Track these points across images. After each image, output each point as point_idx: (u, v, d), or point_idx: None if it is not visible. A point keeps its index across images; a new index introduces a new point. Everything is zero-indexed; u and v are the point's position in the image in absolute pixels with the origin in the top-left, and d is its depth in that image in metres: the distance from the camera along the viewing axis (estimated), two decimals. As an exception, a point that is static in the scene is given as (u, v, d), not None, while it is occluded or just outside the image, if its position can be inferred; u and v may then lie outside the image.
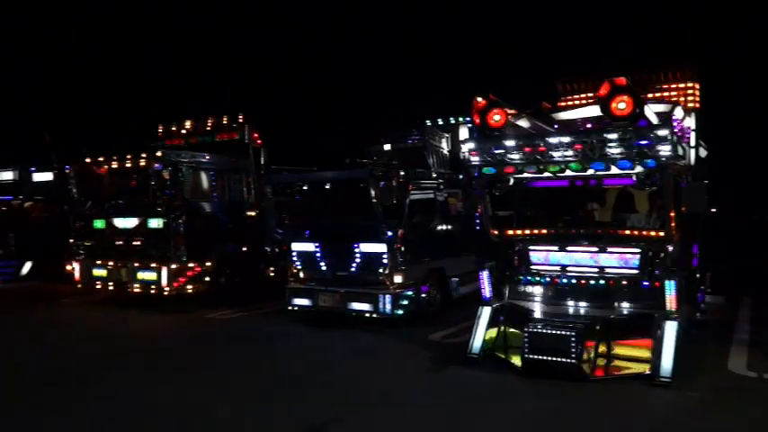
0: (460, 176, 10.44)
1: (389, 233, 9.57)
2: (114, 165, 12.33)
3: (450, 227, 10.67)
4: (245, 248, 12.59)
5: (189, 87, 27.70)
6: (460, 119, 12.07)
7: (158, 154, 11.45)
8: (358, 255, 9.93)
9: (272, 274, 12.88)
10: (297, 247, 10.55)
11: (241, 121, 12.99)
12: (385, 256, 9.63)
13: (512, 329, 7.78)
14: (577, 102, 8.99)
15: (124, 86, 27.51)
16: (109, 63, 28.37)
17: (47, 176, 18.21)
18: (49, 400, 6.82)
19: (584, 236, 7.44)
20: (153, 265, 11.49)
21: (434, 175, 10.58)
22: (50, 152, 18.17)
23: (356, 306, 9.78)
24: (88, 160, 12.73)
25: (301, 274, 10.59)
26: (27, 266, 16.86)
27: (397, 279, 9.62)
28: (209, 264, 11.87)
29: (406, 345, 8.73)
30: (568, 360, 6.87)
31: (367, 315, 9.66)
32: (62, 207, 16.41)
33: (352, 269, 9.93)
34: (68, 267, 13.89)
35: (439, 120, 12.51)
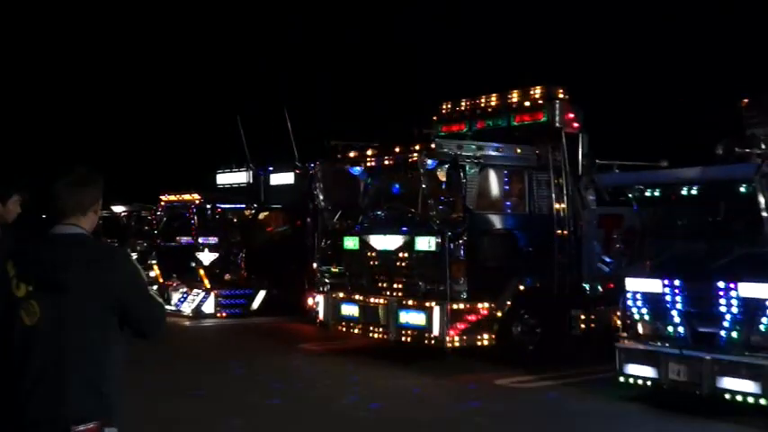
0: None
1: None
2: (372, 161, 13.55)
3: None
4: (551, 284, 12.81)
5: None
6: None
7: (432, 146, 12.23)
8: (736, 301, 9.35)
9: (590, 325, 12.86)
10: (635, 285, 10.35)
11: (551, 94, 13.26)
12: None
13: None
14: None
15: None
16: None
17: (287, 178, 20.82)
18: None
19: None
20: (420, 303, 12.29)
21: None
22: (292, 147, 20.72)
23: (733, 385, 9.18)
24: (339, 155, 14.16)
25: (640, 328, 10.36)
26: (260, 297, 19.37)
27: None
28: (499, 305, 12.32)
29: None
30: None
31: (752, 401, 9.00)
32: (304, 219, 18.61)
33: (726, 324, 9.38)
34: (310, 301, 15.61)
35: None
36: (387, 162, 13.32)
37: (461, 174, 11.89)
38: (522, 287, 12.63)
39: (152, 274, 21.36)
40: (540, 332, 12.78)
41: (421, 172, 12.22)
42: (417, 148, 12.47)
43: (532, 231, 12.93)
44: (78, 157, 33.25)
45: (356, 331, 13.53)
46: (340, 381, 11.58)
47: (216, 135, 30.48)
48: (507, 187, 12.98)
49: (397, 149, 13.04)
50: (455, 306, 11.94)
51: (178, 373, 12.23)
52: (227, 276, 19.85)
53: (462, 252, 12.06)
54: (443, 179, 12.01)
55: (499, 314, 12.33)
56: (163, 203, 21.72)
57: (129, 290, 3.57)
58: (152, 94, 36.52)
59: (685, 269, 9.91)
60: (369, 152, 13.70)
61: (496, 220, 12.77)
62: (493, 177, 12.82)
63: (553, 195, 13.08)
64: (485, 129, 14.01)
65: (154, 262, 21.32)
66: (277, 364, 12.98)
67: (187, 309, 19.19)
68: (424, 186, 12.34)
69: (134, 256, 23.26)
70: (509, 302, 12.44)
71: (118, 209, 25.64)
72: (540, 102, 13.36)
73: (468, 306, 12.03)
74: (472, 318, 12.05)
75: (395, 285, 12.97)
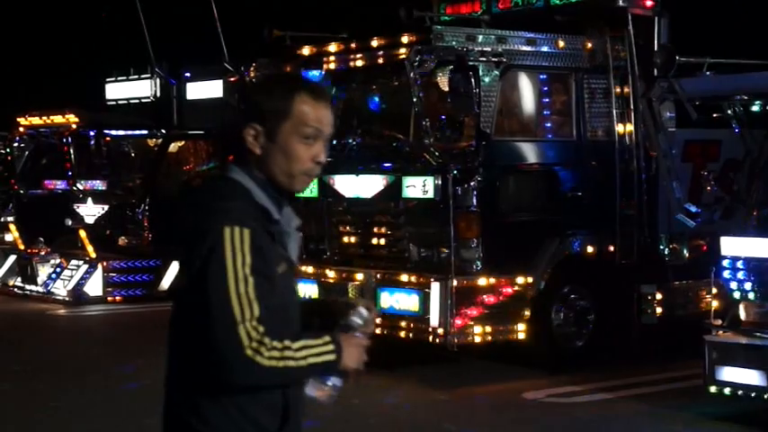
0: None
1: None
2: (336, 62, 13.43)
3: None
4: (612, 247, 12.85)
5: None
6: None
7: (429, 37, 12.09)
8: None
9: (670, 308, 12.92)
10: (735, 246, 10.37)
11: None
12: None
13: None
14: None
15: None
16: None
17: (212, 89, 20.64)
18: None
19: None
20: (412, 279, 12.27)
21: None
22: (220, 41, 20.56)
23: None
24: (288, 53, 14.04)
25: (743, 313, 10.39)
26: (172, 272, 19.35)
27: None
28: (532, 280, 12.31)
29: None
30: None
31: None
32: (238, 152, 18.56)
33: None
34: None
35: None
36: (359, 63, 13.24)
37: (473, 80, 11.78)
38: (566, 252, 12.60)
39: (8, 237, 21.30)
40: (593, 320, 12.81)
41: (412, 78, 12.13)
42: (406, 40, 12.39)
43: (582, 167, 12.93)
44: None
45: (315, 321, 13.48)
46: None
47: (102, 24, 30.24)
48: (544, 100, 12.95)
49: (376, 43, 12.95)
50: (463, 282, 11.89)
51: (34, 386, 12.19)
52: (121, 241, 19.78)
53: (474, 200, 12.04)
54: (446, 88, 11.95)
55: (531, 294, 12.32)
56: (22, 130, 21.56)
57: None
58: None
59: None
60: (332, 47, 13.63)
61: (527, 151, 12.75)
62: (522, 85, 12.78)
63: (614, 112, 13.05)
64: (510, 10, 13.96)
65: (10, 219, 21.24)
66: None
67: (62, 289, 19.16)
68: (416, 100, 12.25)
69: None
70: (546, 276, 12.42)
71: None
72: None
73: (482, 282, 12.00)
74: (489, 300, 12.03)
75: (373, 252, 12.95)
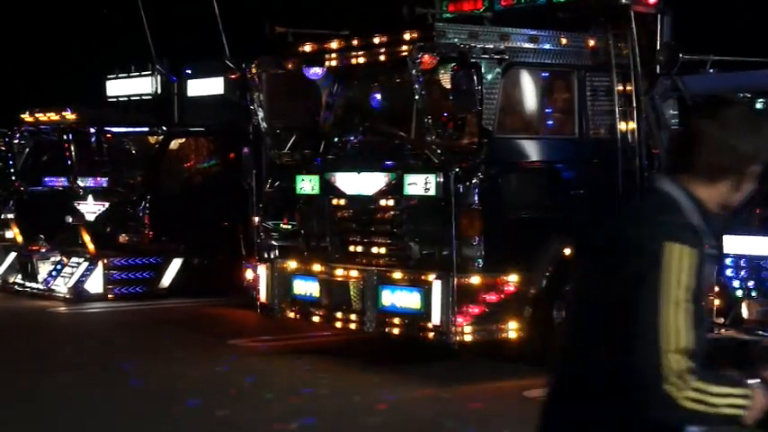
0: None
1: None
2: (339, 59, 13.40)
3: None
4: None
5: None
6: None
7: (431, 34, 12.12)
8: None
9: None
10: (737, 244, 10.36)
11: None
12: None
13: None
14: None
15: None
16: None
17: (213, 86, 20.60)
18: None
19: None
20: (413, 277, 12.26)
21: None
22: (221, 37, 20.49)
23: None
24: (290, 50, 14.00)
25: (745, 310, 10.37)
26: (172, 270, 19.32)
27: None
28: (533, 278, 12.31)
29: None
30: None
31: None
32: (240, 149, 18.50)
33: None
34: (248, 275, 15.46)
35: None
36: (361, 60, 13.28)
37: (476, 77, 11.75)
38: (568, 250, 12.55)
39: (8, 234, 21.27)
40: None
41: (414, 75, 12.12)
42: (408, 37, 12.40)
43: (585, 165, 12.93)
44: None
45: (316, 319, 13.54)
46: (289, 395, 11.54)
47: (104, 21, 30.22)
48: (547, 98, 12.95)
49: (378, 40, 12.97)
50: (465, 280, 11.89)
51: (35, 383, 12.18)
52: (122, 238, 19.75)
53: (477, 197, 12.05)
54: (448, 86, 11.98)
55: (533, 292, 12.34)
56: (23, 127, 21.52)
57: None
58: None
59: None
60: (334, 44, 13.62)
61: (529, 149, 12.74)
62: (524, 82, 12.77)
63: (617, 109, 13.03)
64: (513, 7, 14.00)
65: (11, 216, 21.20)
66: (195, 370, 12.94)
67: (62, 287, 19.13)
68: (418, 97, 12.26)
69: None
70: (548, 274, 12.42)
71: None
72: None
73: (485, 280, 12.00)
74: (492, 297, 12.04)
75: (374, 250, 12.95)
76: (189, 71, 21.42)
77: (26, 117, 21.28)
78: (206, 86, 21.03)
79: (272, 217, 14.52)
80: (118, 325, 17.19)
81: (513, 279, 12.17)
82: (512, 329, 12.17)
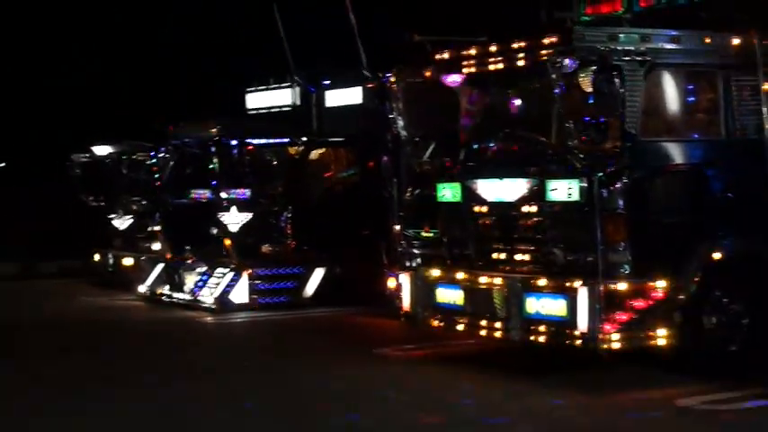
0: None
1: None
2: (477, 66, 13.38)
3: None
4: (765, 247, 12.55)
5: None
6: None
7: (571, 38, 11.92)
8: None
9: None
10: None
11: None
12: None
13: None
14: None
15: None
16: None
17: (351, 96, 20.67)
18: None
19: None
20: (558, 284, 12.14)
21: None
22: (358, 48, 20.60)
23: None
24: (429, 58, 13.99)
25: None
26: (315, 279, 19.47)
27: None
28: (682, 283, 12.05)
29: None
30: None
31: None
32: (379, 158, 18.54)
33: None
34: (390, 283, 15.48)
35: None
36: (500, 66, 13.16)
37: (617, 80, 11.70)
38: (717, 255, 12.35)
39: (155, 246, 21.69)
40: (747, 324, 12.52)
41: (554, 79, 12.05)
42: (548, 42, 12.29)
43: (732, 166, 12.61)
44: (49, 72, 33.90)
45: (460, 327, 13.48)
46: (435, 404, 11.53)
47: (244, 35, 30.56)
48: (691, 99, 12.73)
49: (516, 45, 12.86)
50: (612, 286, 11.73)
51: (182, 392, 12.43)
52: (265, 248, 19.99)
53: (621, 202, 11.87)
54: (589, 89, 11.78)
55: (682, 297, 12.07)
56: (168, 141, 21.91)
57: None
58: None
59: None
60: (473, 51, 13.55)
61: (674, 152, 12.48)
62: (667, 84, 12.51)
63: (764, 109, 12.73)
64: (652, 7, 13.88)
65: (157, 228, 21.61)
66: (340, 379, 13.04)
67: (208, 297, 19.45)
68: (558, 102, 12.21)
69: (128, 219, 24.02)
70: (697, 279, 12.16)
71: (101, 150, 26.04)
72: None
73: (632, 286, 11.81)
74: (639, 304, 11.83)
75: (517, 257, 12.87)
76: (327, 82, 21.53)
77: (170, 131, 21.68)
78: (344, 96, 21.12)
79: (412, 225, 14.56)
80: (263, 334, 17.45)
81: (660, 285, 11.93)
82: (660, 336, 11.96)
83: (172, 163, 22.04)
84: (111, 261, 24.27)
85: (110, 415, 11.23)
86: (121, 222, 24.28)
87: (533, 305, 12.39)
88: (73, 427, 10.78)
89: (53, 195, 28.62)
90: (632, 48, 12.03)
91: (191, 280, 20.07)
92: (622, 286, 11.78)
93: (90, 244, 25.04)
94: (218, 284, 19.36)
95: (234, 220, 19.82)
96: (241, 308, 19.06)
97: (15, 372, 13.82)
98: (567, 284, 12.01)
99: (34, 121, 33.79)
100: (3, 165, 35.37)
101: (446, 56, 13.89)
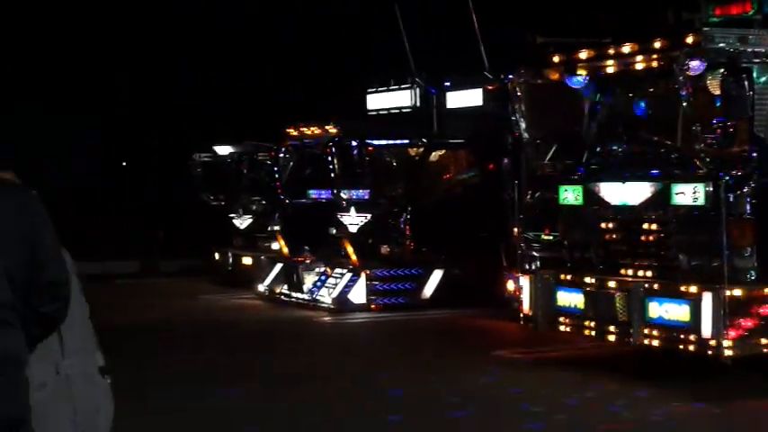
0: None
1: None
2: (600, 67, 13.34)
3: None
4: None
5: None
6: None
7: (698, 39, 11.79)
8: None
9: None
10: None
11: None
12: None
13: None
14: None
15: None
16: None
17: (472, 98, 20.63)
18: None
19: None
20: (682, 288, 11.99)
21: None
22: (479, 49, 20.49)
23: None
24: (551, 60, 13.89)
25: None
26: (434, 281, 19.43)
27: None
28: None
29: None
30: None
31: None
32: (499, 160, 18.44)
33: None
34: (510, 286, 15.38)
35: None
36: (624, 67, 13.12)
37: (746, 83, 11.52)
38: None
39: (275, 246, 21.88)
40: None
41: (680, 81, 11.87)
42: (674, 43, 12.15)
43: None
44: (165, 79, 34.45)
45: (581, 331, 13.46)
46: (555, 407, 11.47)
47: (364, 35, 30.64)
48: (822, 102, 12.44)
49: (641, 47, 12.77)
50: (737, 292, 11.56)
51: (301, 390, 12.53)
52: (384, 249, 20.01)
53: (748, 207, 11.73)
54: (717, 92, 11.67)
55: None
56: (288, 142, 22.09)
57: None
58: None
59: None
60: (596, 52, 13.48)
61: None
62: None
63: None
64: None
65: (276, 228, 21.80)
66: (459, 381, 13.02)
67: (326, 297, 19.55)
68: (685, 105, 12.04)
69: (247, 218, 24.29)
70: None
71: (223, 150, 26.39)
72: None
73: (758, 292, 11.67)
74: (765, 310, 11.65)
75: (640, 261, 12.75)
76: (448, 83, 21.48)
77: (291, 132, 21.85)
78: (465, 98, 21.03)
79: (532, 228, 14.50)
80: (381, 335, 17.50)
81: (789, 291, 11.71)
82: (789, 344, 11.72)
83: (292, 163, 22.23)
84: (230, 260, 24.55)
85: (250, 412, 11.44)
86: (241, 222, 24.58)
87: (656, 310, 12.26)
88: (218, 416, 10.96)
89: (175, 194, 29.12)
90: (762, 50, 11.92)
91: (309, 280, 20.19)
92: (748, 292, 11.62)
93: (210, 243, 25.36)
94: (336, 284, 19.44)
95: (352, 220, 19.92)
96: (359, 308, 19.12)
97: (159, 368, 13.87)
98: (691, 290, 11.86)
99: (158, 121, 34.29)
100: (124, 164, 36.12)
101: (569, 57, 13.79)
